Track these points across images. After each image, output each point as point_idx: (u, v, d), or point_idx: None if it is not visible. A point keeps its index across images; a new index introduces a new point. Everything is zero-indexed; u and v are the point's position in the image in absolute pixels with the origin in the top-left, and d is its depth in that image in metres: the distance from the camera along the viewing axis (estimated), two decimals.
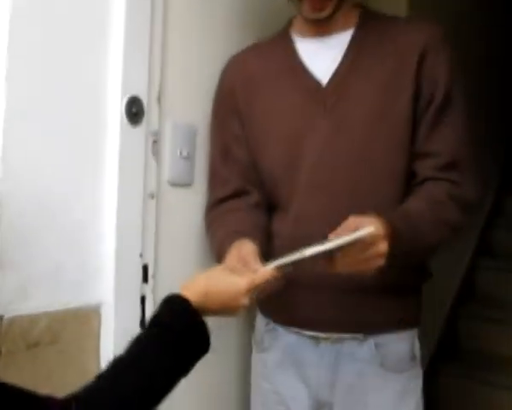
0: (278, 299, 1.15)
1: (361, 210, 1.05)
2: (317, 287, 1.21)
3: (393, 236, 1.03)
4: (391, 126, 1.21)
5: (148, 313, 1.26)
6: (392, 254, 1.03)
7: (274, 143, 1.29)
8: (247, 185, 1.35)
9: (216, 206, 1.37)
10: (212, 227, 1.36)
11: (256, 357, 1.39)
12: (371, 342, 1.24)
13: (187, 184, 1.40)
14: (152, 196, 1.29)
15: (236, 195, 1.35)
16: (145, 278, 1.28)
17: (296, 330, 1.29)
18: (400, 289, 1.24)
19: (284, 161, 1.28)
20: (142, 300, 1.27)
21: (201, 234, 1.42)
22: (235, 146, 1.36)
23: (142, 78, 1.24)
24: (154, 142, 1.29)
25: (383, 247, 1.01)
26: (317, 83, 1.25)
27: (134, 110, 1.21)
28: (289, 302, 1.25)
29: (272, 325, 1.33)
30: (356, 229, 0.96)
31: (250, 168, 1.35)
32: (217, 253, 1.26)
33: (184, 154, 1.36)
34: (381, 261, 1.02)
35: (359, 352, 1.24)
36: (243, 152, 1.35)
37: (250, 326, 1.45)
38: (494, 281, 3.12)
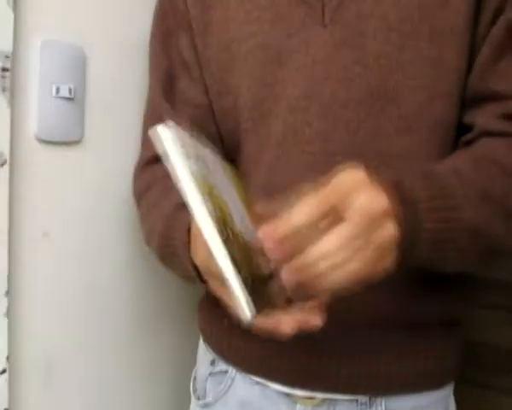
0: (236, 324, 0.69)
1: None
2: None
3: (408, 213, 0.59)
4: (431, 46, 0.72)
5: (1, 353, 0.78)
6: (407, 249, 0.59)
7: (242, 64, 0.78)
8: (198, 134, 0.82)
9: (152, 165, 0.85)
10: (149, 198, 0.85)
11: None
12: (381, 406, 0.77)
13: (70, 142, 0.88)
14: (1, 163, 0.77)
15: None
16: None
17: (261, 380, 0.80)
18: (433, 325, 0.77)
19: (257, 92, 0.77)
20: None
21: (96, 221, 0.92)
22: (183, 78, 0.85)
23: None
24: (4, 70, 0.76)
25: (388, 230, 0.56)
26: None
27: None
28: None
29: (222, 366, 0.84)
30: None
31: (203, 109, 0.84)
32: (159, 232, 0.78)
33: (64, 92, 0.84)
34: (388, 259, 0.57)
35: None
36: (194, 86, 0.84)
37: (189, 362, 0.96)
38: None
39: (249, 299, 0.50)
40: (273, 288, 0.56)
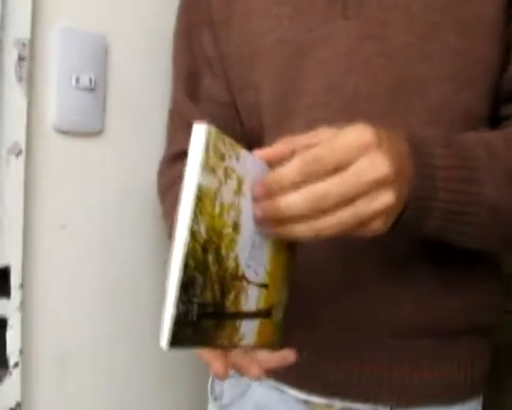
0: None
1: None
2: (317, 321, 0.72)
3: (422, 179, 0.55)
4: (457, 36, 0.67)
5: (14, 346, 0.77)
6: (417, 215, 0.56)
7: (262, 60, 0.75)
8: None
9: (179, 161, 0.83)
10: (173, 193, 0.82)
11: None
12: None
13: (91, 133, 0.86)
14: (16, 153, 0.75)
15: None
16: (4, 290, 0.76)
17: (279, 385, 0.77)
18: (459, 334, 0.73)
19: (278, 88, 0.74)
20: (2, 324, 0.77)
21: (115, 215, 0.90)
22: (205, 75, 0.82)
23: None
24: (21, 59, 0.74)
25: (383, 198, 0.50)
26: None
27: None
28: None
29: None
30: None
31: (227, 106, 0.81)
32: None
33: (84, 82, 0.82)
34: (379, 222, 0.51)
35: None
36: (217, 83, 0.81)
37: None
38: None
39: (174, 329, 0.44)
40: (240, 329, 0.52)
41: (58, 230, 0.83)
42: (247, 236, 0.50)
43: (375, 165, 0.49)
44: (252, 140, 0.80)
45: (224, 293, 0.48)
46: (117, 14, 0.86)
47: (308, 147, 0.50)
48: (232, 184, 0.47)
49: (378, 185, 0.49)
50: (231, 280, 0.49)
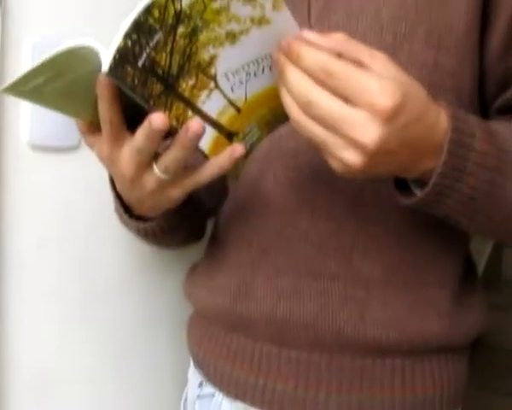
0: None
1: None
2: (292, 338, 0.70)
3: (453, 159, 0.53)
4: (431, 48, 0.65)
5: None
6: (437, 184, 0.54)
7: None
8: None
9: None
10: None
11: None
12: None
13: (67, 148, 0.84)
14: None
15: None
16: None
17: (247, 406, 0.74)
18: (434, 350, 0.70)
19: None
20: None
21: (94, 232, 0.87)
22: None
23: None
24: None
25: (354, 156, 0.50)
26: None
27: None
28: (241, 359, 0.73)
29: (209, 388, 0.78)
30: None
31: None
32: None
33: None
34: (355, 157, 0.50)
35: None
36: None
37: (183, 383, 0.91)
38: None
39: (116, 57, 0.46)
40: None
41: (35, 249, 0.80)
42: (242, 55, 0.52)
43: (365, 130, 0.48)
44: None
45: (182, 70, 0.50)
46: (89, 26, 0.84)
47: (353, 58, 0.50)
48: (250, 10, 0.49)
49: (352, 144, 0.49)
50: (197, 69, 0.51)
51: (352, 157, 0.49)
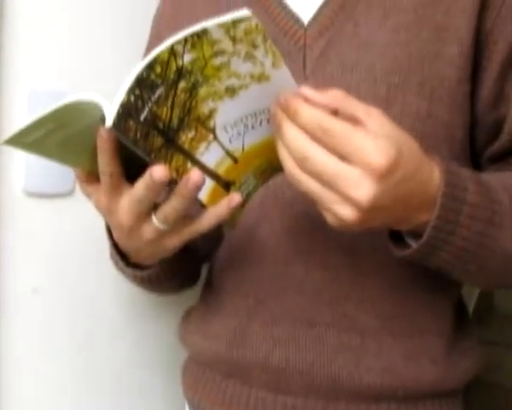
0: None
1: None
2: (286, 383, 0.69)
3: (446, 212, 0.54)
4: (424, 100, 0.66)
5: None
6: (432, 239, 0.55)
7: None
8: None
9: None
10: None
11: None
12: None
13: (61, 194, 0.85)
14: None
15: None
16: None
17: None
18: (428, 395, 0.69)
19: None
20: None
21: (88, 277, 0.88)
22: None
23: None
24: None
25: (348, 212, 0.50)
26: (294, 19, 0.71)
27: None
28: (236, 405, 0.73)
29: None
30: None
31: None
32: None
33: None
34: (349, 213, 0.50)
35: None
36: None
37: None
38: None
39: (120, 112, 0.47)
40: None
41: (30, 294, 0.80)
42: (241, 108, 0.52)
43: (359, 188, 0.49)
44: None
45: (182, 124, 0.50)
46: (84, 72, 0.86)
47: (349, 115, 0.50)
48: (251, 67, 0.50)
49: (347, 200, 0.49)
50: (196, 122, 0.51)
51: (346, 212, 0.50)
